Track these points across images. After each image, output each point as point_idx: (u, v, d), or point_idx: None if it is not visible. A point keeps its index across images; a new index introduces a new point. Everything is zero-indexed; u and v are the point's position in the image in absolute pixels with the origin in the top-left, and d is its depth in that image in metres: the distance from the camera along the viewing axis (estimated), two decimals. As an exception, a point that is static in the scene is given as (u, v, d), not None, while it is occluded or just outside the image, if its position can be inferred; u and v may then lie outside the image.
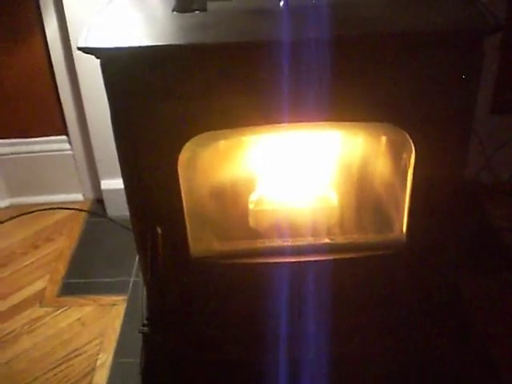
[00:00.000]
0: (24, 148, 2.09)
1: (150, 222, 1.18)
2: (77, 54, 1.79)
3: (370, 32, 1.01)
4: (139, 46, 0.99)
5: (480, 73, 1.09)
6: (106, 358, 1.54)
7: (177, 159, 1.11)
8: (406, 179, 1.17)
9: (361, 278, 1.27)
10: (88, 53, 1.01)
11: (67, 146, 2.09)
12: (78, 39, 1.02)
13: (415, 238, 1.22)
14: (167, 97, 1.06)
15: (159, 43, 1.00)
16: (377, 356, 1.38)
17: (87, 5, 1.69)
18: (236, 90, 1.05)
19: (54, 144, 2.09)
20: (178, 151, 1.10)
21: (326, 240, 1.29)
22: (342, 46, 1.01)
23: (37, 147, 2.09)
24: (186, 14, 1.13)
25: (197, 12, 1.14)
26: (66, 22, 1.78)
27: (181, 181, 1.15)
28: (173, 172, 1.12)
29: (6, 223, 2.08)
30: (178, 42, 1.00)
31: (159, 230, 1.18)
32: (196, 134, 1.09)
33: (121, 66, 1.04)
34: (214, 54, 1.02)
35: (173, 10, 1.15)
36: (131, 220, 1.22)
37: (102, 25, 1.09)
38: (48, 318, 1.69)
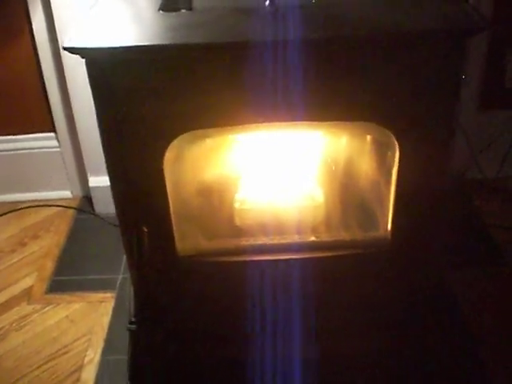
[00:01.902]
0: (12, 145, 2.09)
1: (137, 221, 1.19)
2: (64, 51, 1.79)
3: (355, 33, 1.02)
4: (124, 47, 1.00)
5: (463, 71, 1.10)
6: (94, 355, 1.55)
7: (162, 158, 1.12)
8: (391, 178, 1.18)
9: (346, 275, 1.28)
10: (73, 53, 1.02)
11: (55, 143, 2.09)
12: (64, 39, 1.02)
13: (400, 236, 1.23)
14: (153, 96, 1.07)
15: (145, 43, 1.00)
16: (363, 353, 1.39)
17: (74, 3, 1.69)
18: (221, 89, 1.06)
19: (42, 141, 2.10)
20: (164, 150, 1.11)
21: (312, 238, 1.30)
22: (327, 47, 1.02)
23: (24, 144, 2.10)
24: (172, 14, 1.14)
25: (183, 11, 1.15)
26: (53, 19, 1.78)
27: (167, 179, 1.15)
28: (159, 171, 1.12)
29: (-8, 220, 2.08)
30: (163, 42, 1.00)
31: (145, 229, 1.19)
32: (181, 133, 1.10)
33: (106, 66, 1.04)
34: (199, 54, 1.03)
35: (159, 9, 1.16)
36: (118, 218, 1.23)
37: (88, 24, 1.09)
38: (36, 315, 1.69)
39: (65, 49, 1.01)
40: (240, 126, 1.13)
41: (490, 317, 1.61)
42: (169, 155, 1.13)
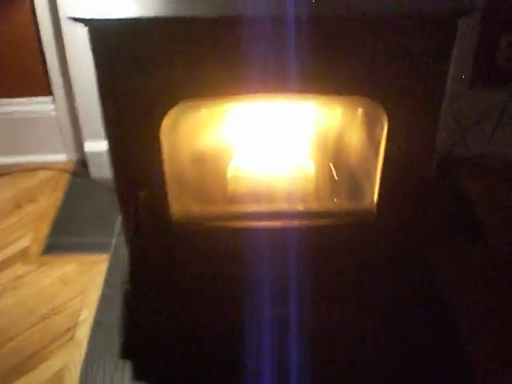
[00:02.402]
0: (8, 108, 2.11)
1: (133, 188, 1.23)
2: (63, 15, 1.81)
3: (345, 14, 1.06)
4: (126, 18, 1.03)
5: (451, 51, 1.14)
6: (87, 315, 1.59)
7: (159, 126, 1.15)
8: (379, 151, 1.22)
9: (332, 244, 1.32)
10: (78, 22, 1.05)
11: (51, 106, 2.12)
12: (67, 8, 1.05)
13: (385, 208, 1.27)
14: (151, 66, 1.10)
15: (144, 15, 1.04)
16: (347, 319, 1.44)
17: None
18: (216, 61, 1.09)
19: (38, 105, 2.12)
20: (161, 118, 1.14)
21: (301, 207, 1.35)
22: (320, 25, 1.06)
23: (21, 108, 2.12)
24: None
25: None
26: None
27: (163, 148, 1.19)
28: (155, 139, 1.16)
29: (-12, 182, 2.11)
30: (162, 15, 1.04)
31: (141, 195, 1.23)
32: (177, 103, 1.13)
33: (108, 36, 1.07)
34: (196, 27, 1.06)
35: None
36: (114, 184, 1.27)
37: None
38: (31, 275, 1.73)
39: (69, 18, 1.04)
40: (234, 97, 1.17)
41: (470, 292, 1.65)
42: (165, 124, 1.17)
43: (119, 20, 1.04)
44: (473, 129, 2.07)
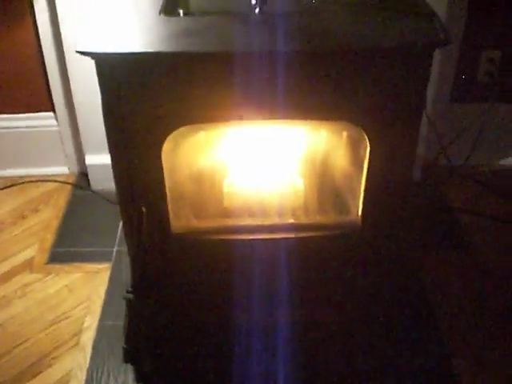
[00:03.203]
0: (13, 123, 2.20)
1: (136, 202, 1.32)
2: (65, 34, 1.90)
3: (331, 46, 1.16)
4: (131, 53, 1.13)
5: (427, 79, 1.24)
6: (92, 321, 1.68)
7: (161, 148, 1.25)
8: (362, 170, 1.33)
9: (321, 254, 1.42)
10: (85, 55, 1.15)
11: (54, 122, 2.21)
12: (77, 43, 1.15)
13: (369, 220, 1.38)
14: (154, 95, 1.20)
15: (148, 50, 1.14)
16: (335, 321, 1.54)
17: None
18: (213, 90, 1.20)
19: (42, 120, 2.21)
20: (162, 141, 1.25)
21: (291, 220, 1.45)
22: (306, 57, 1.16)
23: (25, 123, 2.21)
24: (172, 18, 1.27)
25: (181, 16, 1.28)
26: (55, 3, 1.87)
27: (164, 166, 1.29)
28: (157, 159, 1.26)
29: (-6, 194, 2.20)
30: (163, 50, 1.14)
31: (144, 209, 1.33)
32: (177, 128, 1.24)
33: (113, 68, 1.18)
34: (195, 60, 1.17)
35: (160, 13, 1.29)
36: (119, 200, 1.36)
37: (96, 26, 1.21)
38: (37, 283, 1.81)
39: (78, 52, 1.14)
40: (229, 122, 1.27)
41: (453, 298, 1.74)
42: (166, 145, 1.27)
43: (124, 54, 1.14)
44: (455, 142, 2.15)
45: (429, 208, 2.09)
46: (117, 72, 1.18)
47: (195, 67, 1.18)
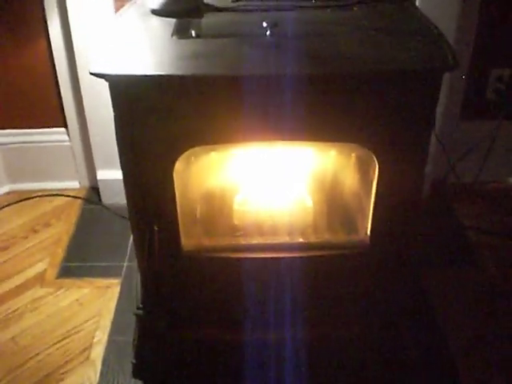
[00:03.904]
0: (26, 138, 2.24)
1: (148, 221, 1.34)
2: (78, 51, 1.94)
3: (340, 70, 1.18)
4: (144, 75, 1.15)
5: (436, 101, 1.26)
6: (102, 336, 1.70)
7: (173, 168, 1.27)
8: (371, 189, 1.34)
9: (330, 273, 1.43)
10: (99, 77, 1.17)
11: (66, 137, 2.24)
12: (91, 64, 1.17)
13: (377, 240, 1.38)
14: (166, 116, 1.22)
15: (160, 73, 1.16)
16: (345, 339, 1.55)
17: (88, 8, 1.84)
18: (224, 112, 1.21)
19: (54, 135, 2.24)
20: (174, 162, 1.26)
21: (300, 239, 1.46)
22: (316, 80, 1.18)
23: (38, 138, 2.24)
24: (184, 40, 1.30)
25: (193, 38, 1.31)
26: (68, 22, 1.91)
27: (176, 186, 1.31)
28: (169, 179, 1.28)
29: (6, 208, 2.22)
30: (175, 73, 1.16)
31: (156, 228, 1.35)
32: (189, 148, 1.26)
33: (127, 89, 1.20)
34: (206, 83, 1.19)
35: (172, 35, 1.31)
36: (130, 218, 1.38)
37: (110, 49, 1.24)
38: (49, 298, 1.84)
39: (92, 74, 1.16)
40: (239, 143, 1.29)
41: (462, 316, 1.74)
42: (178, 164, 1.29)
43: (137, 76, 1.16)
44: (464, 159, 2.16)
45: (438, 225, 2.09)
46: (130, 93, 1.20)
47: (206, 89, 1.19)
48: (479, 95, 2.18)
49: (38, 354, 1.66)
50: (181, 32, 1.32)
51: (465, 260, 1.97)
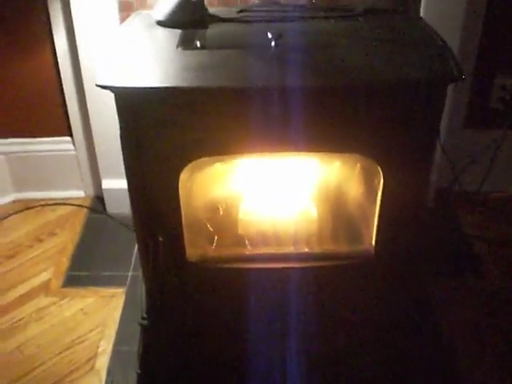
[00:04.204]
0: (31, 147, 2.25)
1: (153, 231, 1.35)
2: (83, 61, 1.95)
3: (345, 82, 1.18)
4: (150, 87, 1.16)
5: (441, 112, 1.26)
6: (106, 346, 1.71)
7: (178, 179, 1.28)
8: (376, 199, 1.34)
9: (335, 283, 1.43)
10: (105, 89, 1.18)
11: (71, 146, 2.25)
12: (97, 77, 1.18)
13: (382, 250, 1.39)
14: (172, 127, 1.23)
15: (166, 85, 1.16)
16: (348, 351, 1.55)
17: (93, 18, 1.85)
18: (229, 123, 1.22)
19: (59, 144, 2.25)
20: (179, 173, 1.27)
21: (305, 249, 1.47)
22: (320, 92, 1.19)
23: (43, 147, 2.25)
24: (189, 52, 1.30)
25: (198, 49, 1.31)
26: (73, 30, 1.92)
27: (180, 196, 1.31)
28: (174, 190, 1.28)
29: (12, 217, 2.23)
30: (180, 85, 1.16)
31: (160, 238, 1.35)
32: (194, 160, 1.26)
33: (132, 101, 1.20)
34: (211, 95, 1.19)
35: (177, 46, 1.32)
36: (135, 229, 1.39)
37: (116, 61, 1.24)
38: (53, 307, 1.84)
39: (97, 85, 1.17)
40: (244, 154, 1.30)
41: (466, 324, 1.75)
42: (183, 175, 1.29)
43: (143, 88, 1.17)
44: (468, 168, 2.17)
45: (442, 234, 2.09)
46: (135, 105, 1.20)
47: (212, 101, 1.20)
48: (483, 104, 2.19)
49: (43, 364, 1.66)
50: (186, 43, 1.33)
51: (468, 269, 1.97)
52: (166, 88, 1.16)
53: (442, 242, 2.06)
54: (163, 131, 1.23)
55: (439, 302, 1.82)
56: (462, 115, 2.18)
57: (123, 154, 1.30)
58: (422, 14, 1.77)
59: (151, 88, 1.17)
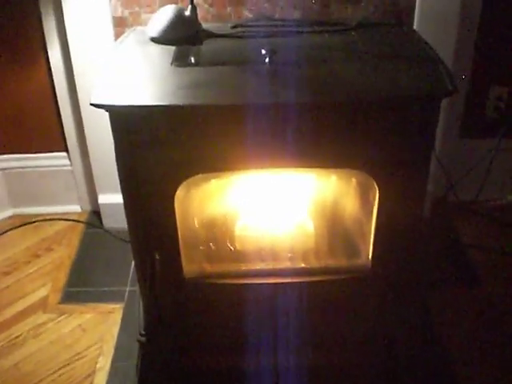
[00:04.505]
0: (28, 163, 2.24)
1: (149, 248, 1.35)
2: (78, 76, 1.95)
3: (339, 98, 1.19)
4: (144, 106, 1.16)
5: (435, 126, 1.27)
6: (105, 362, 1.69)
7: (174, 196, 1.28)
8: (372, 214, 1.34)
9: (332, 297, 1.44)
10: (99, 108, 1.18)
11: (67, 161, 2.24)
12: (91, 95, 1.18)
13: (379, 264, 1.39)
14: (167, 145, 1.23)
15: (160, 103, 1.17)
16: (346, 364, 1.55)
17: (88, 32, 1.85)
18: (224, 141, 1.22)
19: (55, 160, 2.24)
20: (175, 190, 1.27)
21: (302, 264, 1.47)
22: (316, 109, 1.19)
23: (39, 162, 2.24)
24: (183, 69, 1.30)
25: (192, 66, 1.32)
26: (68, 46, 1.91)
27: (177, 213, 1.31)
28: (170, 207, 1.29)
29: (9, 232, 2.22)
30: (175, 103, 1.16)
31: (157, 256, 1.35)
32: (190, 177, 1.26)
33: (127, 119, 1.21)
34: (206, 112, 1.19)
35: (171, 63, 1.32)
36: (132, 246, 1.39)
37: (110, 79, 1.25)
38: (51, 323, 1.83)
39: (92, 105, 1.17)
40: (240, 171, 1.30)
41: (464, 333, 1.74)
42: (179, 193, 1.30)
43: (137, 107, 1.17)
44: (464, 178, 2.17)
45: (438, 244, 2.09)
46: (130, 123, 1.21)
47: (206, 119, 1.20)
48: (479, 113, 2.18)
49: (41, 381, 1.65)
50: (180, 60, 1.33)
51: (466, 278, 1.96)
52: (161, 106, 1.16)
53: (438, 251, 2.05)
54: (158, 149, 1.23)
55: (436, 311, 1.81)
56: (457, 125, 2.18)
57: (118, 172, 1.30)
58: (415, 27, 1.77)
59: (145, 106, 1.17)
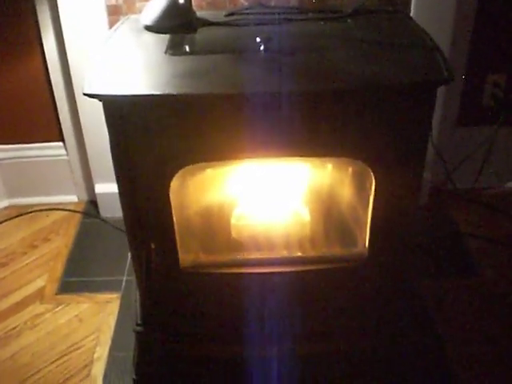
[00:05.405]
0: (24, 153, 2.24)
1: (145, 239, 1.34)
2: (73, 66, 1.94)
3: (335, 87, 1.18)
4: (137, 95, 1.15)
5: (432, 114, 1.26)
6: (102, 352, 1.69)
7: (169, 185, 1.27)
8: (368, 202, 1.34)
9: (328, 286, 1.43)
10: (93, 97, 1.17)
11: (63, 151, 2.24)
12: (84, 85, 1.17)
13: (375, 252, 1.38)
14: (161, 134, 1.22)
15: (154, 92, 1.15)
16: (343, 352, 1.55)
17: (82, 20, 1.84)
18: (220, 129, 1.21)
19: (51, 150, 2.24)
20: (170, 179, 1.26)
21: (298, 253, 1.46)
22: (312, 97, 1.18)
23: (35, 152, 2.24)
24: (177, 57, 1.29)
25: (187, 55, 1.31)
26: (62, 35, 1.91)
27: (172, 203, 1.30)
28: (165, 197, 1.28)
29: (5, 223, 2.22)
30: (169, 92, 1.15)
31: (153, 245, 1.34)
32: (185, 166, 1.25)
33: (121, 109, 1.20)
34: (201, 102, 1.18)
35: (166, 52, 1.31)
36: (128, 237, 1.38)
37: (103, 68, 1.24)
38: (48, 314, 1.83)
39: (85, 94, 1.16)
40: (235, 160, 1.29)
41: (462, 324, 1.74)
42: (174, 181, 1.29)
43: (131, 96, 1.16)
44: (461, 166, 2.16)
45: (436, 232, 2.09)
46: (124, 113, 1.20)
47: (201, 108, 1.19)
48: (476, 101, 2.18)
49: (38, 372, 1.65)
50: (174, 48, 1.32)
51: (463, 267, 1.96)
52: (155, 95, 1.15)
53: (436, 240, 2.05)
54: (152, 138, 1.22)
55: (434, 300, 1.81)
56: (454, 113, 2.17)
57: (113, 161, 1.29)
58: (412, 14, 1.76)
59: (139, 96, 1.16)
